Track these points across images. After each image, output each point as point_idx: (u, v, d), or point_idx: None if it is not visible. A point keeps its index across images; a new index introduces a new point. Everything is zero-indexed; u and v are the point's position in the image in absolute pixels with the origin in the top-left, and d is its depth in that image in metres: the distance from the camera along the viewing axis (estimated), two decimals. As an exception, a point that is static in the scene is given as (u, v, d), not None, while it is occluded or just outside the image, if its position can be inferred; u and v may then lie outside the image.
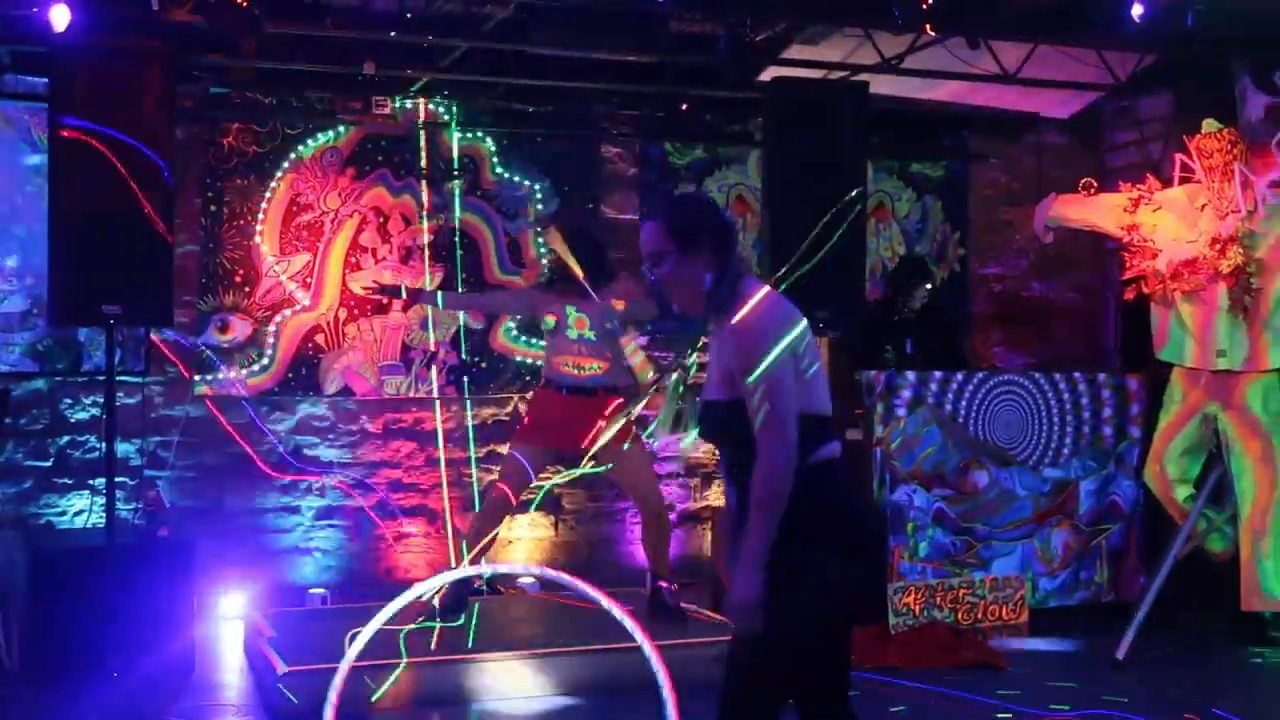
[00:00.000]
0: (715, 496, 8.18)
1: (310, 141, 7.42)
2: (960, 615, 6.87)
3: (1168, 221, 6.68)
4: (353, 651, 3.40)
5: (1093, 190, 6.93)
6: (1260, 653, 6.51)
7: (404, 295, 6.37)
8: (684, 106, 7.92)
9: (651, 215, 3.32)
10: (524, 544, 7.84)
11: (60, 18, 5.63)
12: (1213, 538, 6.76)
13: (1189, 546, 6.62)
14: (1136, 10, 6.30)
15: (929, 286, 7.89)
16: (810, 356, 3.14)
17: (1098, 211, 6.91)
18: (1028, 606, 7.05)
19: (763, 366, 3.04)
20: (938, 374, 7.11)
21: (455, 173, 7.62)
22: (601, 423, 5.99)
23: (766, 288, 3.20)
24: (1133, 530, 7.37)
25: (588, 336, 6.16)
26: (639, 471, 6.31)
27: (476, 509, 7.32)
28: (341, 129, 7.45)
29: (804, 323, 3.15)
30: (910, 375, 7.05)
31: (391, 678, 5.32)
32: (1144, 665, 6.25)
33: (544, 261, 7.71)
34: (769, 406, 3.03)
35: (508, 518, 6.40)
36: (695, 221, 3.23)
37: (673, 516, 8.07)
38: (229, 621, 6.90)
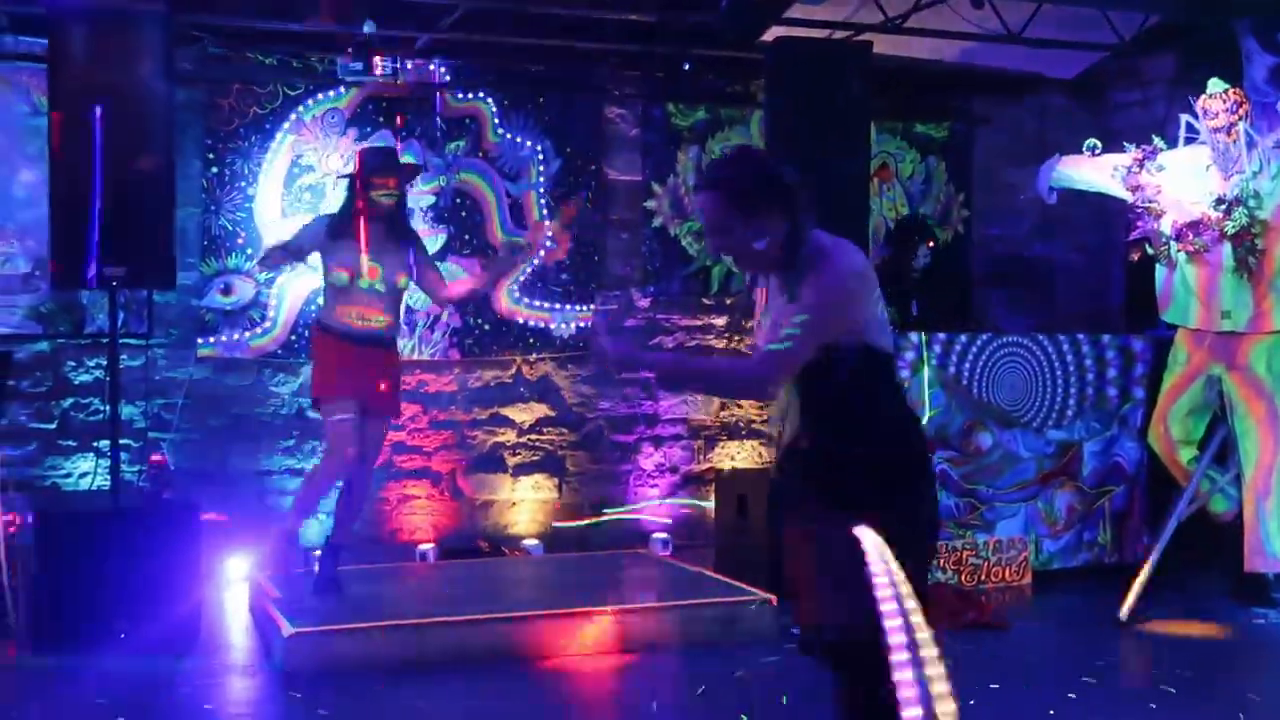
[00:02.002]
0: (718, 459, 8.19)
1: (311, 103, 7.38)
2: (964, 577, 6.89)
3: (1172, 182, 6.65)
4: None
5: (1097, 151, 6.90)
6: (1263, 613, 6.53)
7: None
8: (686, 66, 7.87)
9: (707, 183, 3.17)
10: (528, 505, 7.85)
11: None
12: (1216, 499, 6.77)
13: (1192, 508, 6.63)
14: (1143, -31, 6.25)
15: (931, 245, 7.88)
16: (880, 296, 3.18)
17: (1102, 173, 6.88)
18: (1031, 568, 7.07)
19: (820, 310, 3.03)
20: (941, 336, 7.10)
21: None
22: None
23: (835, 239, 3.15)
24: (1136, 492, 7.38)
25: (378, 288, 6.01)
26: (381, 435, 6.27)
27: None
28: (343, 90, 7.41)
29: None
30: (914, 337, 7.04)
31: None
32: (1146, 626, 6.27)
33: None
34: (793, 346, 3.02)
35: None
36: (756, 184, 3.11)
37: (675, 478, 8.10)
38: (234, 584, 6.92)
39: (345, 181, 6.30)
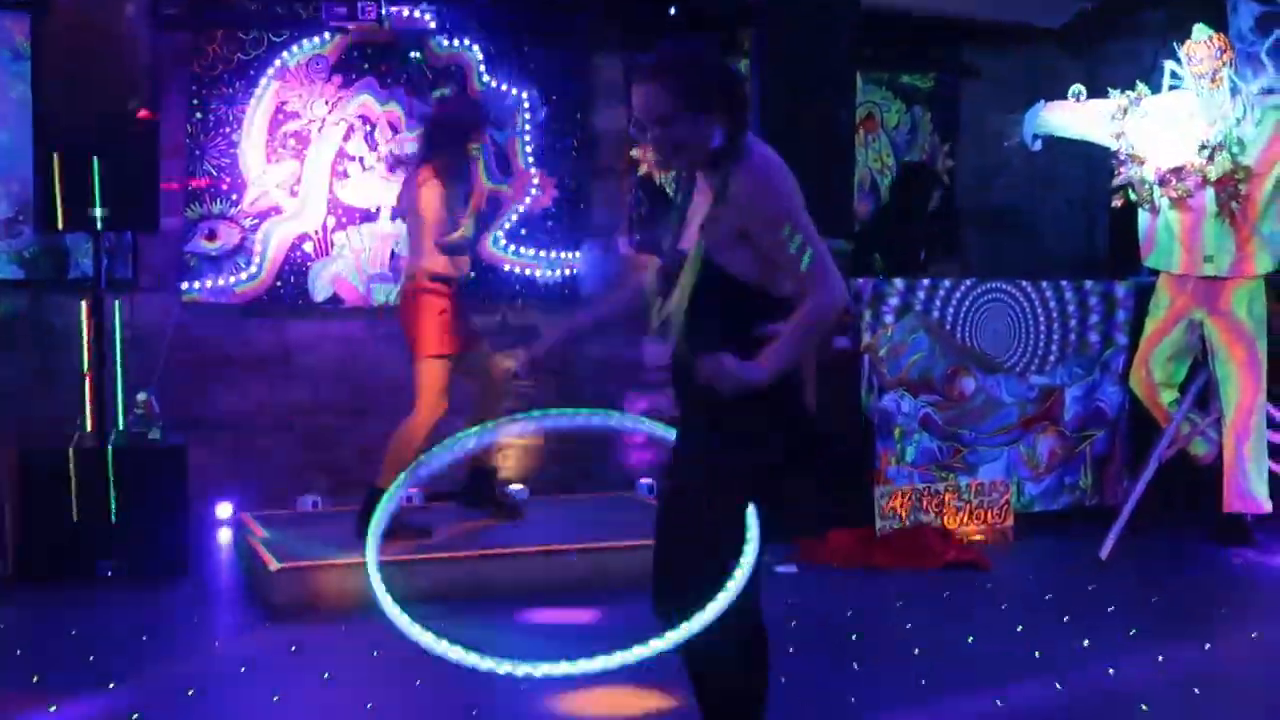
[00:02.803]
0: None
1: (296, 49, 7.35)
2: (946, 519, 6.94)
3: (1156, 129, 6.67)
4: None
5: (1082, 98, 6.92)
6: (1241, 553, 6.60)
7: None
8: (671, 12, 7.84)
9: (649, 75, 3.04)
10: (513, 450, 7.87)
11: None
12: (1196, 442, 6.83)
13: (1173, 450, 6.69)
14: (1129, -88, 6.25)
15: (940, 191, 7.92)
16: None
17: (1087, 119, 6.90)
18: (1013, 511, 7.12)
19: (792, 216, 2.95)
20: (925, 281, 7.13)
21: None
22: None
23: (766, 145, 3.07)
24: (1117, 436, 7.43)
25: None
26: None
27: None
28: (328, 36, 7.38)
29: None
30: (898, 282, 7.07)
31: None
32: (1126, 566, 6.33)
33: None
34: (815, 250, 2.94)
35: None
36: (703, 78, 3.02)
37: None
38: (221, 525, 6.95)
39: (447, 130, 6.11)
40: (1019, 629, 5.24)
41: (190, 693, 4.34)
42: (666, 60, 3.04)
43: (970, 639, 5.09)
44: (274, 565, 5.40)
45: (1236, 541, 6.68)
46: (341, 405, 7.50)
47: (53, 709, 4.14)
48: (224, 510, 7.00)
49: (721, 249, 3.02)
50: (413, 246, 6.03)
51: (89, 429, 6.28)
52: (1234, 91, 6.58)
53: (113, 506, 5.85)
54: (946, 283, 7.14)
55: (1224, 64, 6.57)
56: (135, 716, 4.06)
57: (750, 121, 3.09)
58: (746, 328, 3.00)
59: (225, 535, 6.83)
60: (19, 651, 4.80)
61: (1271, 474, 6.65)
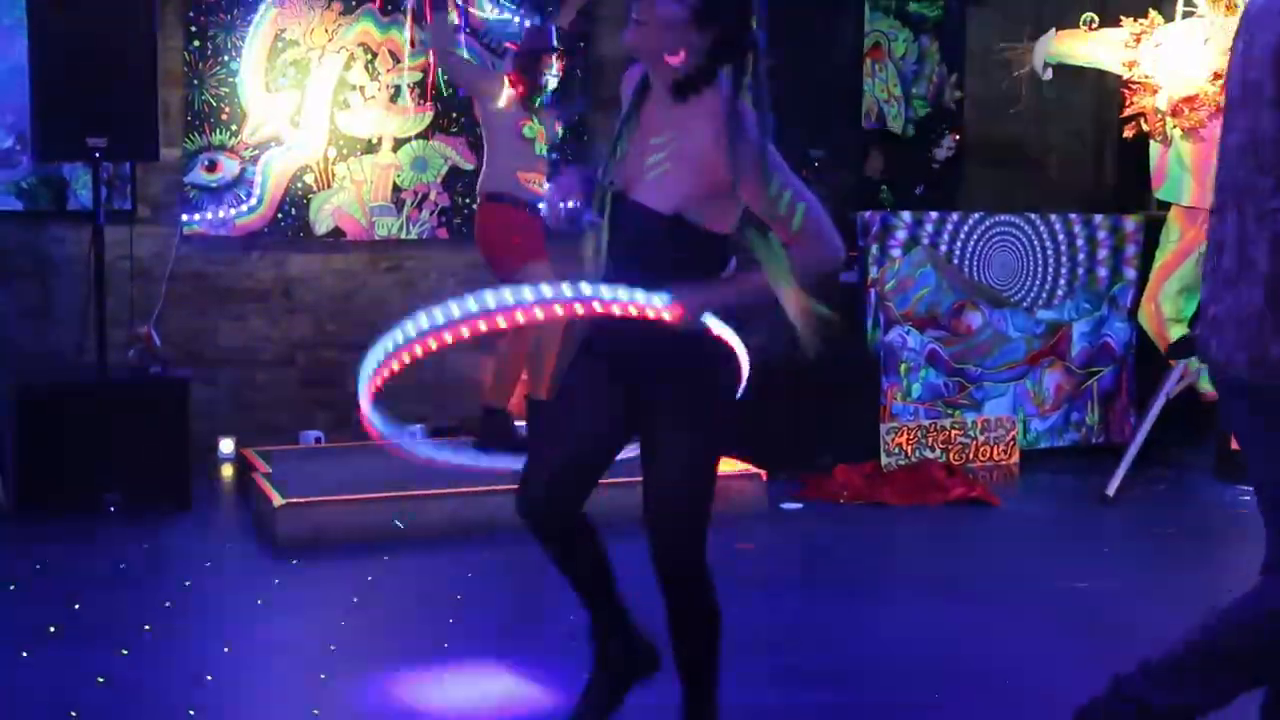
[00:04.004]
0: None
1: (295, -26, 7.22)
2: (952, 456, 6.92)
3: (1169, 57, 6.57)
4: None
5: (1093, 26, 6.81)
6: (1247, 490, 6.58)
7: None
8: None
9: None
10: (520, 387, 7.82)
11: None
12: (1204, 378, 6.78)
13: (1180, 386, 6.65)
14: None
15: (957, 138, 7.85)
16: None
17: (1099, 48, 6.79)
18: (1019, 447, 7.10)
19: (770, 153, 2.79)
20: (933, 214, 7.06)
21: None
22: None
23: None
24: (1124, 372, 7.39)
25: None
26: None
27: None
28: (327, -38, 7.25)
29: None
30: (905, 216, 7.00)
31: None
32: (1133, 502, 6.32)
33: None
34: (800, 189, 2.81)
35: None
36: (727, 3, 2.84)
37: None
38: (224, 460, 6.92)
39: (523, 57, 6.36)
40: (1026, 564, 5.23)
41: (192, 628, 4.33)
42: None
43: (977, 576, 5.08)
44: (278, 501, 5.37)
45: (1243, 478, 6.65)
46: (344, 340, 7.43)
47: (51, 639, 4.13)
48: (226, 445, 6.96)
49: (683, 189, 2.88)
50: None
51: (90, 362, 6.23)
52: (1248, 18, 6.46)
53: (113, 440, 5.82)
54: (954, 216, 7.08)
55: (1239, -10, 6.46)
56: (125, 652, 4.05)
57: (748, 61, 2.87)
58: (703, 275, 2.90)
59: (228, 470, 6.80)
60: (12, 587, 4.78)
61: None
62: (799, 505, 6.22)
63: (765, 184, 2.81)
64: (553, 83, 6.32)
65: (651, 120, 2.95)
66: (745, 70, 2.87)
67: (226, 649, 4.13)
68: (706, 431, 3.02)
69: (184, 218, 7.10)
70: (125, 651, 4.06)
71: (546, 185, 6.18)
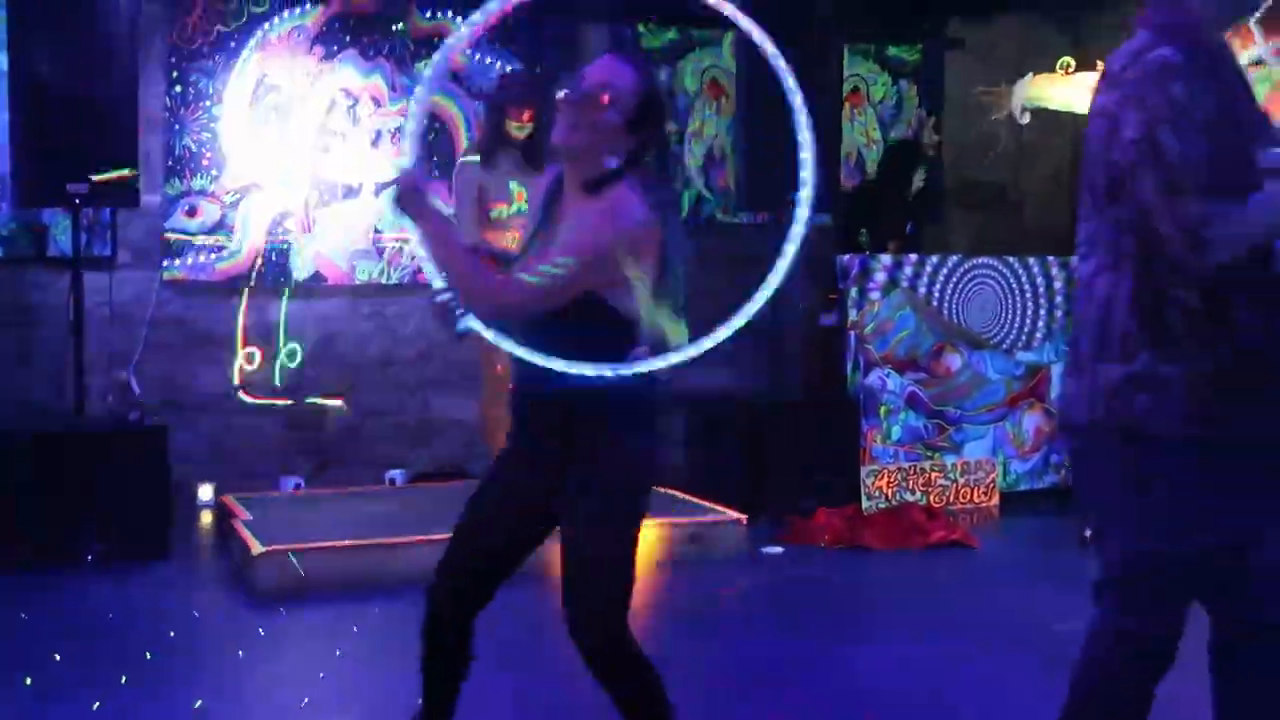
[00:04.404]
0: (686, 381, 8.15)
1: (277, 20, 7.25)
2: (932, 498, 6.93)
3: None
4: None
5: (1070, 70, 6.88)
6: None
7: None
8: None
9: (629, 62, 3.05)
10: (501, 427, 7.82)
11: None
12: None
13: (1159, 428, 6.66)
14: (1119, -115, 6.19)
15: (927, 169, 7.90)
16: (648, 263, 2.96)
17: (1075, 92, 6.87)
18: (999, 489, 7.11)
19: (600, 244, 2.88)
20: (912, 257, 7.10)
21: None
22: None
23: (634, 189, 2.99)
24: (1104, 414, 7.41)
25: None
26: None
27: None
28: (309, 6, 7.28)
29: (655, 230, 2.98)
30: (884, 258, 7.04)
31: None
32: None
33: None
34: (570, 273, 2.86)
35: None
36: (656, 112, 3.04)
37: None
38: (203, 509, 6.89)
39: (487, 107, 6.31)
40: (1007, 606, 5.23)
41: (171, 678, 4.30)
42: (645, 69, 3.09)
43: (958, 617, 5.08)
44: (257, 549, 5.35)
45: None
46: (324, 385, 7.43)
47: (25, 692, 4.09)
48: (205, 492, 6.94)
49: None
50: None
51: (68, 409, 6.20)
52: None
53: (92, 489, 5.78)
54: (933, 259, 7.11)
55: (1212, 38, 6.54)
56: (96, 706, 4.01)
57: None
58: (600, 347, 2.95)
59: (207, 517, 6.77)
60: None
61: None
62: (780, 549, 6.22)
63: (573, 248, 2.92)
64: (519, 136, 6.13)
65: (563, 216, 3.03)
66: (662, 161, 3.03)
67: (198, 704, 4.09)
68: (614, 511, 3.03)
69: (164, 263, 7.10)
70: (99, 705, 4.02)
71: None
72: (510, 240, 5.99)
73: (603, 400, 2.97)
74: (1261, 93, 6.44)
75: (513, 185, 6.14)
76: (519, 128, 6.11)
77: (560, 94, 2.99)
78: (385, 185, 2.92)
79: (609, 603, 3.00)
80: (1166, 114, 2.46)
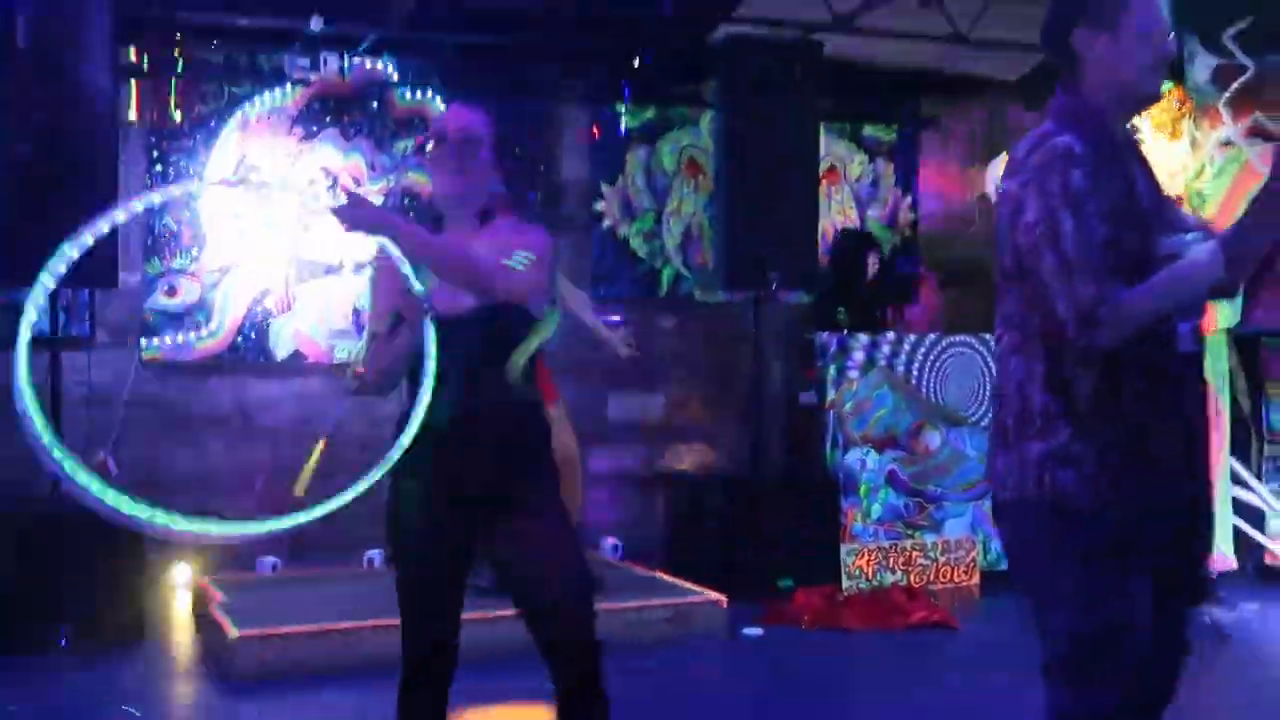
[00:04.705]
0: (669, 462, 8.16)
1: (257, 101, 7.30)
2: (913, 577, 6.91)
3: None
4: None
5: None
6: (1207, 610, 6.59)
7: None
8: (635, 64, 7.83)
9: (467, 104, 3.38)
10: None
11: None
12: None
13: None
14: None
15: (877, 255, 7.95)
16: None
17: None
18: (979, 568, 7.10)
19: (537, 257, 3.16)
20: (890, 336, 7.13)
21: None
22: None
23: None
24: (1082, 491, 7.43)
25: None
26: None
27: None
28: (290, 88, 7.33)
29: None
30: (862, 338, 7.07)
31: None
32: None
33: None
34: (530, 266, 3.13)
35: None
36: (506, 144, 3.38)
37: (625, 481, 8.05)
38: (179, 590, 6.83)
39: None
40: (989, 689, 5.20)
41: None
42: (480, 106, 3.38)
43: (941, 701, 5.05)
44: (233, 633, 5.29)
45: (1203, 599, 6.66)
46: (302, 464, 7.39)
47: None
48: (182, 573, 6.88)
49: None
50: None
51: (43, 492, 6.15)
52: (1193, 144, 6.64)
53: (66, 571, 5.72)
54: (911, 337, 7.15)
55: (1183, 116, 6.64)
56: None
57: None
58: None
59: (184, 599, 6.71)
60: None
61: (1236, 529, 6.66)
62: (760, 631, 6.18)
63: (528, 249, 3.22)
64: None
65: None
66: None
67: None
68: (560, 504, 3.27)
69: (143, 343, 7.08)
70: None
71: None
72: None
73: (538, 406, 3.29)
74: (1231, 172, 6.53)
75: None
76: None
77: (433, 146, 3.25)
78: (334, 209, 2.98)
79: (588, 584, 3.24)
80: (1065, 199, 2.56)
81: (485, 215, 3.26)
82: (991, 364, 7.20)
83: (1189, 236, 2.68)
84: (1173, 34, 2.73)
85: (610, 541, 7.56)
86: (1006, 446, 2.73)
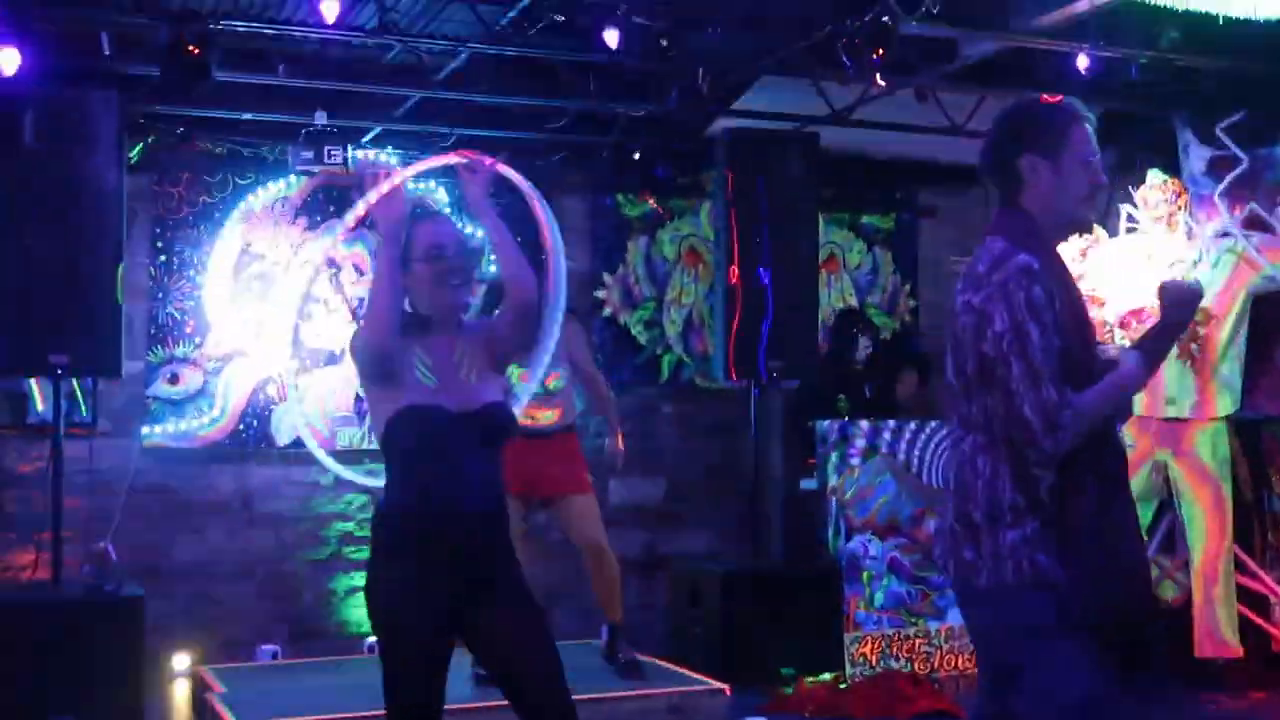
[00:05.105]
0: (669, 546, 8.13)
1: (261, 191, 7.37)
2: (917, 665, 6.87)
3: (1115, 271, 6.76)
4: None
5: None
6: (1214, 699, 6.54)
7: None
8: (635, 156, 7.92)
9: (447, 221, 3.69)
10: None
11: (10, 61, 5.60)
12: (1165, 585, 6.80)
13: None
14: (1082, 63, 6.40)
15: (869, 337, 7.99)
16: None
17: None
18: (983, 655, 7.04)
19: None
20: (891, 423, 7.14)
21: None
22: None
23: None
24: (1085, 578, 7.39)
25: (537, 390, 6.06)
26: (584, 511, 6.17)
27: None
28: (293, 179, 7.40)
29: None
30: (864, 424, 7.08)
31: None
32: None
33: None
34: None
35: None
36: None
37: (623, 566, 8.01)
38: (179, 678, 6.77)
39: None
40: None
41: None
42: (451, 220, 3.80)
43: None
44: (233, 724, 5.26)
45: (1210, 686, 6.62)
46: (304, 552, 7.39)
47: None
48: (181, 662, 6.84)
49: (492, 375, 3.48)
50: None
51: (43, 579, 6.14)
52: (1189, 235, 6.70)
53: (64, 660, 5.68)
54: (912, 424, 7.16)
55: (1179, 208, 6.71)
56: None
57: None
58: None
59: (183, 688, 6.66)
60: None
61: (1241, 617, 6.62)
62: (763, 720, 6.14)
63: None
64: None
65: (442, 348, 3.41)
66: None
67: None
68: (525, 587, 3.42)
69: (145, 430, 7.10)
70: None
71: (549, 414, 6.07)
72: (546, 417, 6.02)
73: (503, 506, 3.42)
74: (1228, 262, 6.58)
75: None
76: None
77: (428, 264, 3.38)
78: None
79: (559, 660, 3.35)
80: (1030, 312, 2.78)
81: (459, 320, 3.52)
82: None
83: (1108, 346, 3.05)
84: (1102, 170, 2.97)
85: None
86: (975, 539, 2.87)
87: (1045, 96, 3.02)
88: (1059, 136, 2.92)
